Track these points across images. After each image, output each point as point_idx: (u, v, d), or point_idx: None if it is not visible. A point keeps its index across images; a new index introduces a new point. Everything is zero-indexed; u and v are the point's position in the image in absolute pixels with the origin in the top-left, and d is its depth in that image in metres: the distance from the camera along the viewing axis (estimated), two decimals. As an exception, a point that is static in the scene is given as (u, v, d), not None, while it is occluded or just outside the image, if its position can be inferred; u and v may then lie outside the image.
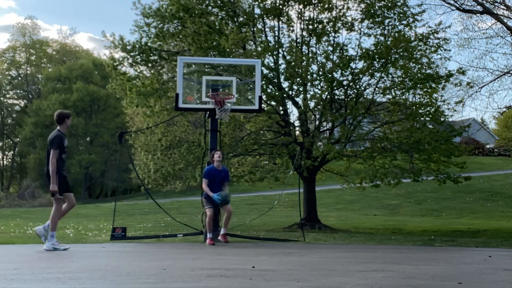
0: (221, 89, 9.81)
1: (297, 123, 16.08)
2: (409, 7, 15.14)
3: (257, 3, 14.93)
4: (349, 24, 15.19)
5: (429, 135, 13.94)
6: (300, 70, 13.90)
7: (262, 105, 11.65)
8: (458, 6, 17.24)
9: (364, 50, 14.32)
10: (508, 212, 23.27)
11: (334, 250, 6.87)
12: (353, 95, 15.17)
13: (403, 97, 15.29)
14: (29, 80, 55.39)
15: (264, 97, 14.19)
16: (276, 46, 14.99)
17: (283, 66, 14.79)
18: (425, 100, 15.23)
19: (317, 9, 15.16)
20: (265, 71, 14.47)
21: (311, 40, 15.44)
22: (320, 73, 14.42)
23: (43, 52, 55.41)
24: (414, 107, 14.95)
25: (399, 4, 14.87)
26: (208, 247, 7.44)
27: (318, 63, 14.93)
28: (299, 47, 15.10)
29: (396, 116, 15.20)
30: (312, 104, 15.52)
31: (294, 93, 15.03)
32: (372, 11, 14.75)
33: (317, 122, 15.99)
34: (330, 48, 15.20)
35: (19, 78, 55.73)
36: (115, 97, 28.84)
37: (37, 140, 46.95)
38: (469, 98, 23.05)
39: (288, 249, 6.98)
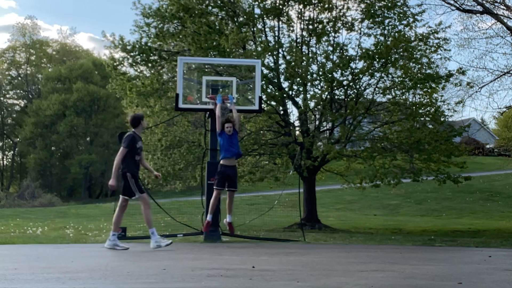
0: (221, 89, 9.81)
1: (297, 123, 16.08)
2: (409, 7, 15.14)
3: (257, 3, 14.93)
4: (349, 24, 15.19)
5: (429, 135, 13.94)
6: (300, 70, 13.90)
7: (262, 105, 11.65)
8: (458, 6, 17.25)
9: (364, 50, 14.32)
10: (508, 212, 23.27)
11: (334, 250, 6.87)
12: (353, 95, 15.17)
13: (403, 97, 15.30)
14: (29, 80, 55.37)
15: (264, 97, 14.18)
16: (276, 46, 14.98)
17: (283, 66, 14.79)
18: (425, 100, 15.24)
19: (317, 9, 15.16)
20: (265, 71, 14.47)
21: (311, 40, 15.44)
22: (320, 73, 14.42)
23: (43, 52, 55.38)
24: (414, 107, 14.96)
25: (399, 4, 14.87)
26: (208, 247, 7.43)
27: (318, 63, 14.93)
28: (299, 47, 15.10)
29: (396, 116, 15.21)
30: (312, 104, 15.52)
31: (294, 93, 15.03)
32: (372, 11, 14.75)
33: (317, 122, 15.99)
34: (330, 48, 15.20)
35: (19, 78, 55.70)
36: (115, 97, 28.83)
37: (37, 140, 46.91)
38: (469, 98, 23.05)
39: (288, 249, 6.98)
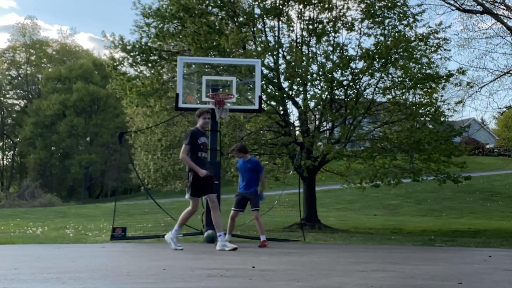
0: (221, 89, 9.81)
1: (297, 123, 16.08)
2: (409, 7, 15.14)
3: (257, 3, 14.93)
4: (349, 24, 15.20)
5: (429, 135, 13.94)
6: (300, 70, 13.90)
7: (262, 105, 11.65)
8: (458, 6, 17.24)
9: (364, 50, 14.32)
10: (508, 212, 23.27)
11: (334, 250, 6.87)
12: (353, 95, 15.17)
13: (403, 97, 15.30)
14: (29, 80, 55.39)
15: (264, 97, 14.18)
16: (276, 46, 14.98)
17: (283, 66, 14.79)
18: (425, 100, 15.23)
19: (317, 9, 15.16)
20: (265, 71, 14.47)
21: (311, 40, 15.44)
22: (320, 73, 14.42)
23: (43, 52, 55.42)
24: (414, 107, 14.96)
25: (399, 4, 14.87)
26: (208, 247, 7.43)
27: (318, 63, 14.93)
28: (299, 47, 15.10)
29: (396, 116, 15.20)
30: (312, 104, 15.52)
31: (294, 93, 15.03)
32: (372, 11, 14.75)
33: (317, 122, 15.98)
34: (330, 48, 15.20)
35: (19, 78, 55.73)
36: (115, 97, 28.85)
37: (37, 140, 46.96)
38: (469, 98, 23.05)
39: (288, 249, 6.98)
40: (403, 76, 14.61)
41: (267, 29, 15.39)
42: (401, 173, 14.58)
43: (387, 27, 14.97)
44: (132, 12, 27.75)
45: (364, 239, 10.35)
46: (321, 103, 14.81)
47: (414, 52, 14.65)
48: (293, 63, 13.99)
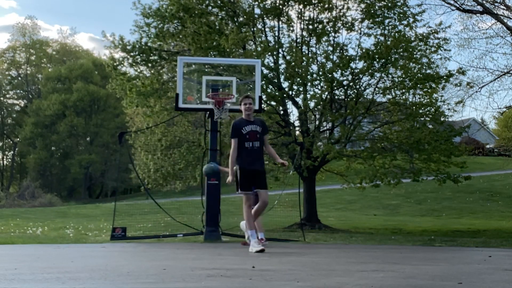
0: (221, 89, 9.81)
1: (297, 123, 16.08)
2: (409, 7, 15.14)
3: (257, 3, 14.93)
4: (349, 24, 15.20)
5: (429, 135, 13.94)
6: (300, 70, 13.90)
7: (262, 105, 11.65)
8: (458, 6, 17.24)
9: (364, 50, 14.31)
10: (508, 212, 23.27)
11: (334, 250, 6.87)
12: (353, 95, 15.17)
13: (403, 97, 15.30)
14: (29, 80, 55.38)
15: (264, 97, 14.18)
16: (276, 46, 14.98)
17: (283, 66, 14.79)
18: (425, 100, 15.23)
19: (317, 9, 15.16)
20: (265, 71, 14.47)
21: (311, 40, 15.44)
22: (320, 73, 14.42)
23: (43, 52, 55.41)
24: (414, 107, 14.96)
25: (399, 4, 14.87)
26: (208, 247, 7.42)
27: (318, 63, 14.93)
28: (299, 47, 15.10)
29: (396, 116, 15.20)
30: (312, 104, 15.51)
31: (294, 93, 15.03)
32: (372, 11, 14.75)
33: (317, 122, 15.98)
34: (330, 48, 15.20)
35: (19, 78, 55.72)
36: (115, 97, 28.86)
37: (37, 140, 46.94)
38: (469, 98, 23.04)
39: (288, 249, 6.98)
40: (403, 76, 14.61)
41: (267, 29, 15.40)
42: (401, 173, 14.58)
43: (387, 27, 14.98)
44: (132, 12, 27.74)
45: (364, 239, 10.35)
46: (321, 103, 14.81)
47: (414, 52, 14.65)
48: (293, 63, 13.99)
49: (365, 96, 15.22)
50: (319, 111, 15.62)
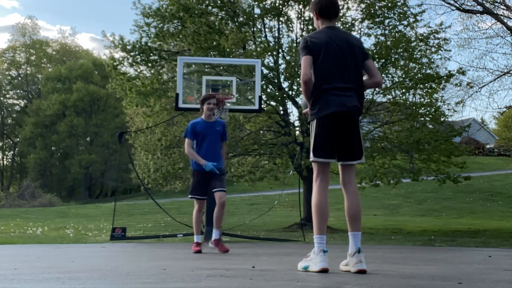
0: (221, 89, 9.81)
1: (297, 123, 16.08)
2: (409, 7, 15.14)
3: (256, 3, 14.94)
4: (349, 24, 15.20)
5: (429, 135, 13.95)
6: (300, 70, 13.90)
7: (262, 105, 11.65)
8: (458, 6, 17.24)
9: (364, 50, 14.31)
10: (508, 212, 23.27)
11: (334, 250, 6.86)
12: (353, 95, 15.15)
13: (403, 97, 15.30)
14: (29, 80, 55.38)
15: (264, 97, 14.19)
16: (276, 46, 14.99)
17: (283, 66, 14.79)
18: (425, 100, 15.24)
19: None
20: (265, 71, 14.47)
21: (311, 40, 15.42)
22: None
23: (43, 52, 55.39)
24: (414, 107, 14.96)
25: (399, 4, 14.87)
26: (207, 247, 7.41)
27: (318, 63, 14.92)
28: (299, 47, 15.11)
29: (396, 116, 15.20)
30: (312, 104, 15.49)
31: (294, 93, 15.03)
32: (372, 11, 14.75)
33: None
34: (330, 48, 15.19)
35: (19, 78, 55.72)
36: (115, 97, 28.84)
37: (37, 140, 46.92)
38: (469, 98, 23.06)
39: (288, 249, 6.98)
40: (403, 76, 14.61)
41: (266, 29, 15.41)
42: (401, 173, 14.58)
43: (387, 27, 14.98)
44: (132, 12, 27.78)
45: (364, 239, 10.33)
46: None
47: (414, 52, 14.66)
48: (293, 63, 13.99)
49: (365, 96, 15.21)
50: (319, 111, 15.61)
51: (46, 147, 47.42)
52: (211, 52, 14.17)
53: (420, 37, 14.87)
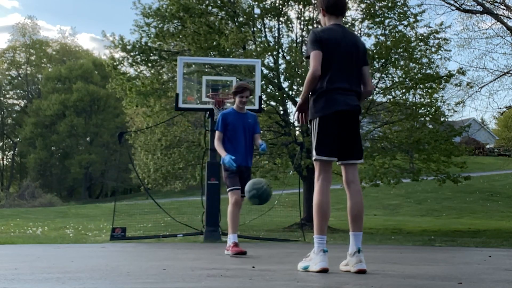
0: (221, 89, 9.81)
1: (297, 123, 16.07)
2: (409, 7, 15.14)
3: (256, 3, 14.94)
4: (349, 24, 15.20)
5: (428, 135, 13.95)
6: (300, 70, 13.90)
7: (262, 105, 11.65)
8: (458, 6, 17.24)
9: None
10: (508, 212, 23.26)
11: (334, 250, 6.86)
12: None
13: (403, 97, 15.30)
14: (29, 80, 55.37)
15: (264, 97, 14.18)
16: (276, 46, 14.99)
17: (283, 66, 14.79)
18: (425, 101, 15.24)
19: (316, 9, 15.17)
20: (265, 71, 14.47)
21: (311, 40, 15.43)
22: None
23: (43, 52, 55.38)
24: (414, 107, 14.96)
25: (399, 4, 14.87)
26: (208, 247, 7.41)
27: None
28: (299, 47, 15.11)
29: (396, 116, 15.21)
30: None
31: (294, 93, 15.03)
32: (372, 11, 14.75)
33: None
34: (330, 48, 15.19)
35: (19, 78, 55.70)
36: (115, 97, 28.83)
37: (37, 140, 46.91)
38: (469, 98, 23.05)
39: (288, 249, 6.98)
40: (403, 76, 14.61)
41: (266, 29, 15.41)
42: (401, 173, 14.58)
43: (387, 27, 14.98)
44: (132, 12, 27.78)
45: (364, 239, 10.31)
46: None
47: (414, 52, 14.66)
48: (293, 63, 14.00)
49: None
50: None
51: (46, 147, 47.40)
52: (211, 52, 14.18)
53: (420, 37, 14.87)
